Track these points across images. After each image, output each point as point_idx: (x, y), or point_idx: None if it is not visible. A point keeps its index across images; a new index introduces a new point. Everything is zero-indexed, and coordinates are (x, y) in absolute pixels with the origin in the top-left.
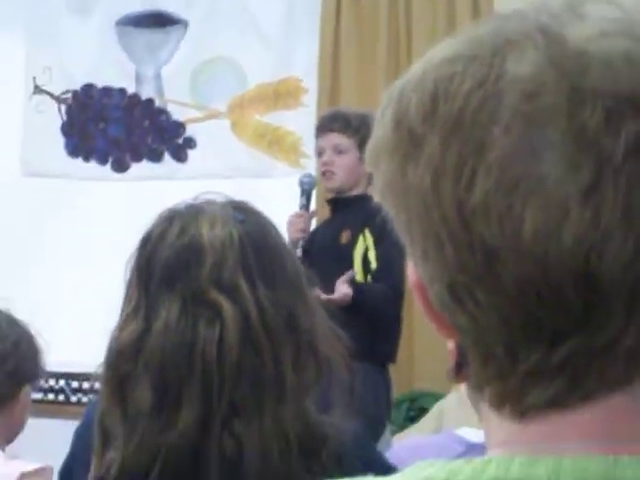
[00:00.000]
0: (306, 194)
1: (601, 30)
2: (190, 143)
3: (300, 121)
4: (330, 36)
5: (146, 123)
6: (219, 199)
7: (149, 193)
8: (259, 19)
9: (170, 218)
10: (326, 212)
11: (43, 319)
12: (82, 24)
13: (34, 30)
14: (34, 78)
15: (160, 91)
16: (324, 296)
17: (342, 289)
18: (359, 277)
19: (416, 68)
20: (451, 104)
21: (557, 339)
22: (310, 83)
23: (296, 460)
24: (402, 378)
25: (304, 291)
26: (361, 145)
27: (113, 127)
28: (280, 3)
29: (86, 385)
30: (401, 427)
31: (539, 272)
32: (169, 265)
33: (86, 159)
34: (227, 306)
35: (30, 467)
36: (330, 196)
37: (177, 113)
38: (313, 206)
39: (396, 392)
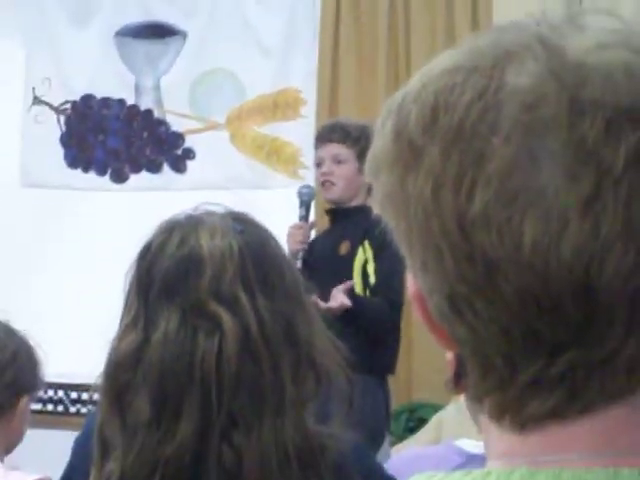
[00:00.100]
0: (305, 205)
1: (600, 42)
2: (189, 154)
3: (299, 132)
4: (329, 47)
5: (145, 134)
6: (219, 210)
7: (148, 204)
8: (258, 31)
9: (170, 229)
10: (325, 222)
11: (42, 330)
12: (81, 35)
13: (33, 40)
14: (33, 89)
15: (159, 102)
16: (322, 304)
17: (339, 297)
18: (358, 289)
19: (416, 80)
20: (451, 115)
21: (557, 350)
22: (309, 94)
23: (295, 471)
24: (401, 389)
25: (303, 302)
26: (360, 156)
27: (112, 138)
28: (279, 14)
29: (85, 396)
30: (400, 438)
31: (539, 283)
32: (169, 276)
33: (85, 170)
34: (226, 317)
35: (29, 478)
36: (329, 207)
37: (176, 124)
38: (312, 217)
39: (395, 403)
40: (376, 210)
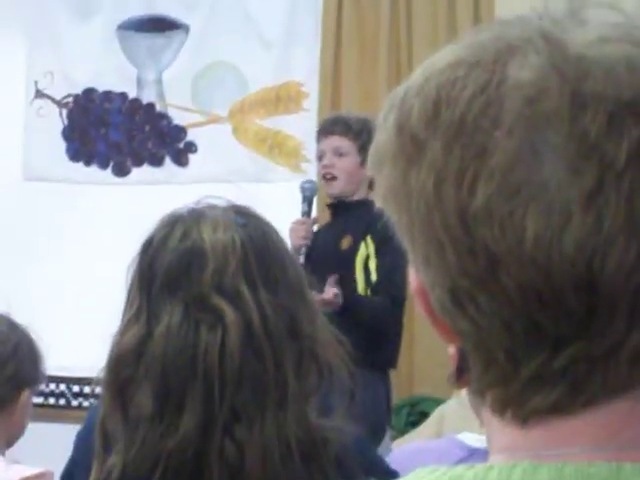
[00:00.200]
0: (308, 200)
1: (602, 35)
2: (191, 147)
3: (301, 126)
4: (331, 41)
5: (147, 127)
6: (221, 203)
7: (150, 197)
8: (260, 24)
9: (172, 222)
10: (327, 216)
11: (44, 323)
12: (84, 28)
13: (36, 34)
14: (35, 82)
15: (161, 96)
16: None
17: (330, 290)
18: (360, 284)
19: (418, 74)
20: (453, 109)
21: (559, 345)
22: (311, 88)
23: (297, 464)
24: (403, 383)
25: (306, 296)
26: (362, 149)
27: (114, 131)
28: (281, 8)
29: (87, 389)
30: (402, 432)
31: (541, 278)
32: (171, 270)
33: (87, 163)
34: (229, 311)
35: (31, 472)
36: (330, 200)
37: (178, 118)
38: (314, 212)
39: (397, 397)
40: (378, 204)
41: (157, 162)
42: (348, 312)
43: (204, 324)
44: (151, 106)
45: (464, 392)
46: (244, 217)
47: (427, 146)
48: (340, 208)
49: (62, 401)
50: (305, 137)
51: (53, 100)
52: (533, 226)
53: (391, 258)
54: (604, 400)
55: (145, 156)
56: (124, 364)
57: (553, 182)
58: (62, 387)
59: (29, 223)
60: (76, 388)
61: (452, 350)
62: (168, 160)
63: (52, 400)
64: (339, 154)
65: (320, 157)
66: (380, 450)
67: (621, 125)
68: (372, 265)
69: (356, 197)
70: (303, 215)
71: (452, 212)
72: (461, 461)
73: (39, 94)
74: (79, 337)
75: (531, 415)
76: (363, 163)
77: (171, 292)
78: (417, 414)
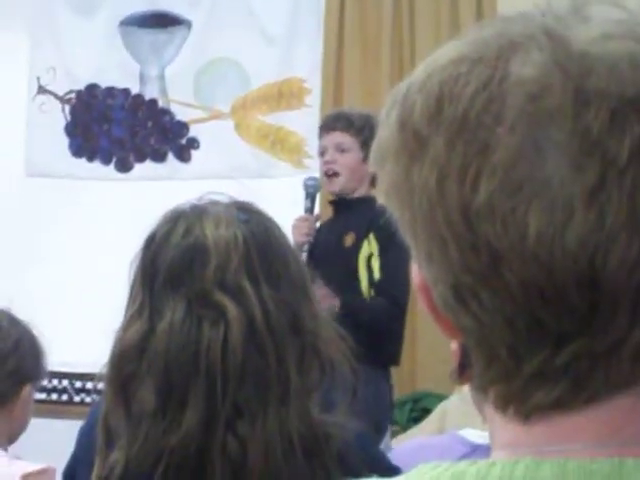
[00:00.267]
0: (311, 197)
1: (605, 32)
2: (193, 143)
3: (303, 121)
4: (334, 37)
5: (150, 123)
6: (223, 199)
7: (152, 193)
8: (262, 20)
9: (174, 218)
10: (329, 212)
11: (47, 319)
12: (86, 24)
13: (38, 30)
14: (38, 78)
15: (164, 91)
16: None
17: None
18: (363, 283)
19: (421, 70)
20: (456, 106)
21: (561, 341)
22: (313, 84)
23: (300, 460)
24: (405, 379)
25: (308, 292)
26: (364, 145)
27: (117, 127)
28: (284, 4)
29: (90, 385)
30: (404, 428)
31: (543, 274)
32: (174, 266)
33: (90, 159)
34: (231, 307)
35: (33, 468)
36: (332, 197)
37: (181, 113)
38: (317, 209)
39: (399, 393)
40: (381, 200)
41: (160, 158)
42: (348, 316)
43: (207, 320)
44: (154, 102)
45: (466, 388)
46: (246, 213)
47: (430, 142)
48: (342, 205)
49: (64, 397)
50: (307, 133)
51: (55, 96)
52: (535, 222)
53: (394, 257)
54: (606, 396)
55: (148, 152)
56: (127, 360)
57: (556, 178)
58: (65, 383)
59: (32, 219)
60: (79, 384)
61: (454, 346)
62: (171, 156)
63: (54, 396)
64: (341, 150)
65: (322, 153)
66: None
67: (624, 122)
68: (375, 264)
69: (358, 194)
70: (306, 212)
71: (455, 208)
72: (463, 457)
73: (41, 90)
74: (82, 333)
75: (533, 411)
76: (365, 159)
77: (174, 288)
78: (419, 410)
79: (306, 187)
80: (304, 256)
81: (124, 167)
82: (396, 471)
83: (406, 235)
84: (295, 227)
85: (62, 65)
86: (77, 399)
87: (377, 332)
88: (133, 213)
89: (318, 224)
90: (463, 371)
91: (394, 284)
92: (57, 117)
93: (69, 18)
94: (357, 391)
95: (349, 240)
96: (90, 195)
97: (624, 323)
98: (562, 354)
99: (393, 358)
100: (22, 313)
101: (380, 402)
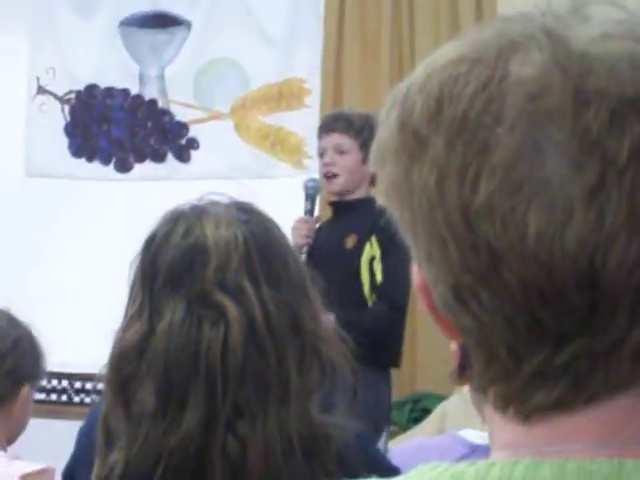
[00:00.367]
0: (311, 199)
1: (605, 32)
2: (193, 144)
3: (303, 122)
4: (333, 37)
5: (149, 124)
6: (223, 200)
7: (152, 193)
8: (262, 20)
9: (174, 219)
10: (329, 213)
11: (46, 319)
12: (86, 24)
13: (38, 30)
14: (37, 78)
15: (163, 92)
16: None
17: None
18: (365, 286)
19: (420, 70)
20: (455, 106)
21: (561, 341)
22: (313, 84)
23: (299, 461)
24: (405, 379)
25: (308, 292)
26: (363, 146)
27: (116, 127)
28: (283, 4)
29: (89, 386)
30: (404, 428)
31: (543, 274)
32: (174, 266)
33: (89, 159)
34: (231, 307)
35: (32, 468)
36: (332, 199)
37: (180, 114)
38: (317, 211)
39: (399, 393)
40: (381, 200)
41: (159, 158)
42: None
43: (207, 320)
44: (153, 102)
45: (466, 389)
46: (246, 213)
47: (429, 142)
48: (343, 207)
49: (64, 397)
50: (307, 133)
51: (55, 96)
52: (535, 222)
53: (395, 259)
54: (606, 397)
55: (147, 152)
56: (126, 360)
57: (555, 178)
58: (64, 383)
59: (31, 219)
60: (78, 384)
61: (454, 347)
62: (170, 156)
63: (54, 396)
64: (340, 152)
65: (321, 154)
66: None
67: (623, 122)
68: (377, 267)
69: (357, 195)
70: (306, 213)
71: (454, 208)
72: (463, 458)
73: (41, 90)
74: (81, 333)
75: (533, 412)
76: (365, 160)
77: (174, 288)
78: (419, 410)
79: (306, 189)
80: (303, 258)
81: (124, 167)
82: (396, 472)
83: (406, 235)
84: (295, 229)
85: (62, 65)
86: (77, 399)
87: (378, 339)
88: (133, 213)
89: (317, 225)
90: (463, 371)
91: (395, 287)
92: (57, 117)
93: (69, 18)
94: (357, 392)
95: (350, 242)
96: (90, 195)
97: (624, 323)
98: (562, 354)
99: (394, 360)
100: (21, 313)
101: (379, 404)
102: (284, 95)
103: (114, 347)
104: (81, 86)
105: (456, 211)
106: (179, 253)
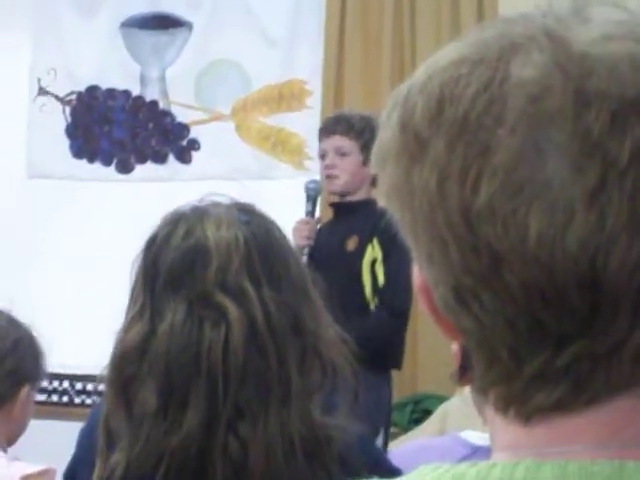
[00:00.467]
0: (312, 200)
1: (606, 33)
2: (194, 145)
3: (304, 123)
4: (335, 38)
5: (150, 125)
6: (224, 201)
7: (153, 194)
8: (263, 21)
9: (175, 220)
10: (329, 214)
11: (48, 320)
12: (87, 25)
13: (39, 31)
14: (39, 79)
15: (165, 93)
16: None
17: None
18: (367, 288)
19: (421, 71)
20: (456, 107)
21: (562, 343)
22: (314, 85)
23: (300, 462)
24: (406, 380)
25: (309, 293)
26: (364, 148)
27: (118, 129)
28: (284, 5)
29: (90, 387)
30: (405, 429)
31: (544, 276)
32: (175, 267)
33: (91, 160)
34: (232, 308)
35: (33, 469)
36: (333, 200)
37: (181, 115)
38: (318, 212)
39: (400, 394)
40: (382, 202)
41: (160, 159)
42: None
43: (208, 321)
44: (154, 103)
45: (467, 390)
46: (247, 214)
47: (430, 144)
48: (344, 208)
49: (65, 398)
50: (308, 135)
51: (56, 97)
52: (536, 224)
53: (397, 262)
54: (607, 398)
55: (148, 153)
56: (128, 361)
57: (556, 180)
58: (65, 384)
59: (32, 220)
60: (79, 385)
61: (455, 348)
62: (171, 157)
63: (55, 397)
64: (341, 154)
65: (322, 156)
66: None
67: (624, 123)
68: (379, 269)
69: (358, 197)
70: (307, 215)
71: (455, 210)
72: (464, 459)
73: (42, 91)
74: (83, 334)
75: (534, 413)
76: (365, 162)
77: (175, 289)
78: (420, 412)
79: (307, 190)
80: (304, 259)
81: (125, 168)
82: (397, 473)
83: (407, 237)
84: (296, 230)
85: (63, 66)
86: (78, 401)
87: (379, 347)
88: (134, 214)
89: (318, 227)
90: (464, 373)
91: (397, 292)
92: (58, 118)
93: (70, 19)
94: (358, 394)
95: (352, 244)
96: (91, 196)
97: (625, 325)
98: (563, 355)
99: (395, 363)
100: (23, 314)
101: (380, 406)
102: (285, 96)
103: (115, 348)
104: (82, 87)
105: (457, 213)
106: (180, 254)
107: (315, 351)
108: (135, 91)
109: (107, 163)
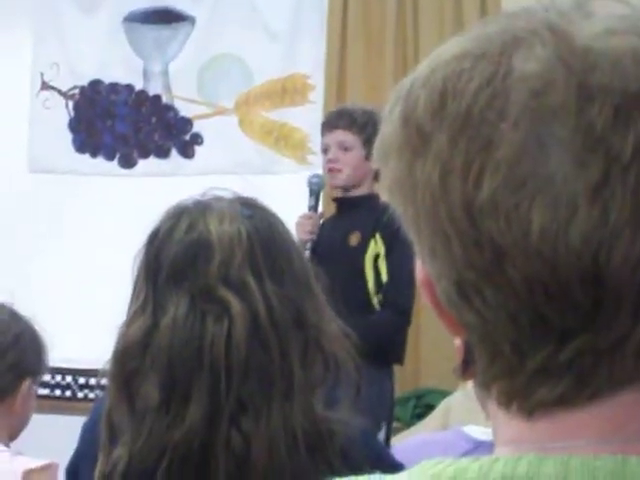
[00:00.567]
0: (315, 195)
1: (609, 27)
2: (197, 139)
3: (307, 118)
4: (337, 32)
5: (153, 119)
6: (227, 195)
7: (156, 189)
8: (266, 15)
9: (178, 214)
10: (332, 209)
11: (50, 314)
12: (89, 20)
13: (42, 26)
14: (41, 74)
15: (167, 87)
16: None
17: None
18: (370, 283)
19: (424, 65)
20: (459, 101)
21: (565, 337)
22: (317, 80)
23: (303, 456)
24: (409, 375)
25: (312, 287)
26: (367, 143)
27: (120, 123)
28: (287, 0)
29: (93, 381)
30: (407, 424)
31: (547, 270)
32: (177, 261)
33: (93, 155)
34: (235, 302)
35: (35, 464)
36: (336, 195)
37: (184, 109)
38: (321, 207)
39: (403, 389)
40: (384, 196)
41: (163, 154)
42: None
43: (210, 315)
44: (157, 98)
45: (470, 384)
46: (250, 209)
47: (433, 138)
48: (346, 203)
49: (68, 393)
50: (311, 129)
51: (59, 92)
52: (539, 219)
53: (400, 259)
54: (610, 393)
55: (151, 148)
56: (130, 356)
57: (559, 175)
58: (68, 379)
59: (35, 214)
60: (82, 380)
61: (458, 343)
62: (174, 152)
63: (58, 392)
64: (344, 148)
65: (325, 150)
66: None
67: (627, 118)
68: (382, 265)
69: (360, 191)
70: (310, 209)
71: (458, 204)
72: (466, 453)
73: (45, 86)
74: (85, 329)
75: (537, 408)
76: (368, 156)
77: (177, 284)
78: (423, 406)
79: (310, 185)
80: (307, 254)
81: (128, 163)
82: (399, 467)
83: (409, 231)
84: (299, 224)
85: (65, 61)
86: (80, 395)
87: (382, 345)
88: (136, 209)
89: (321, 221)
90: (467, 367)
91: (400, 290)
92: (60, 113)
93: (72, 14)
94: (361, 388)
95: (354, 239)
96: (93, 191)
97: (628, 319)
98: (566, 350)
99: (397, 358)
100: (25, 308)
101: (382, 401)
102: (288, 91)
103: (118, 342)
104: (85, 82)
105: (459, 207)
106: (182, 248)
107: (317, 345)
108: (138, 85)
109: (110, 158)
